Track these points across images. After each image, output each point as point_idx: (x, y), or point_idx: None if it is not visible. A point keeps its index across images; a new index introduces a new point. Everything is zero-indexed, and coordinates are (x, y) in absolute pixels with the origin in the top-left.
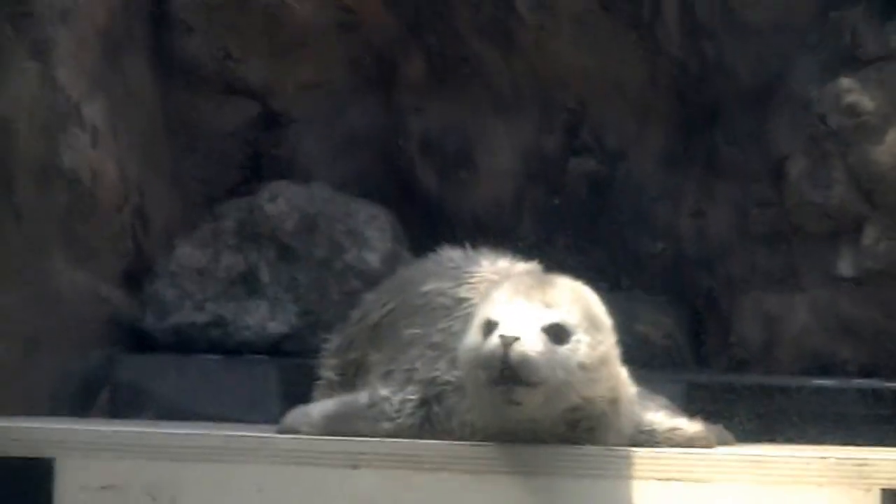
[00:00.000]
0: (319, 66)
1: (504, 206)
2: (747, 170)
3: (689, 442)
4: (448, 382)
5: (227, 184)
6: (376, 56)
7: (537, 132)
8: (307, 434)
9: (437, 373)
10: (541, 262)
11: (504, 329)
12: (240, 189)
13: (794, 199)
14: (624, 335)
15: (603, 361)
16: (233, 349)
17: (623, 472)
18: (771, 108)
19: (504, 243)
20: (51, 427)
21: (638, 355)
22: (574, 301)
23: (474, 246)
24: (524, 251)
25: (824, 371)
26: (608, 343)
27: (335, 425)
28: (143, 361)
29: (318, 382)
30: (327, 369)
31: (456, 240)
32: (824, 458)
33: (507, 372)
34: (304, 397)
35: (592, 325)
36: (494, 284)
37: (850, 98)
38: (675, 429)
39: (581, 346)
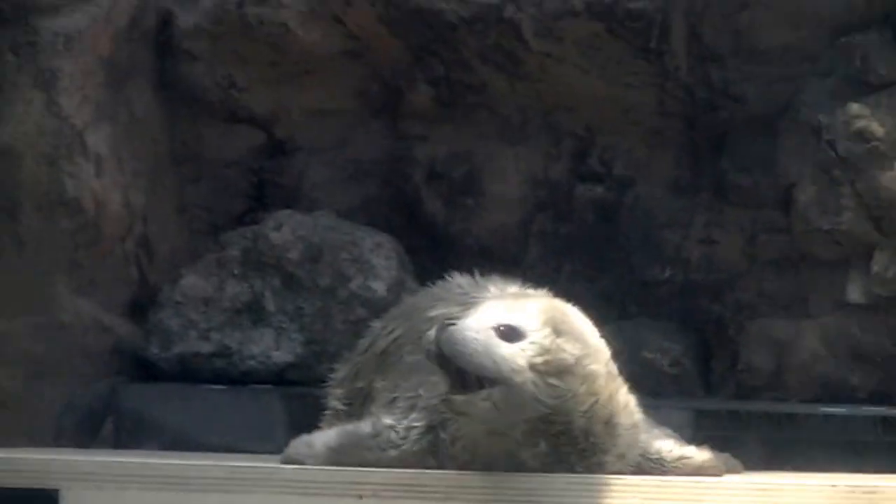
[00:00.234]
0: (325, 94)
1: (511, 234)
2: (756, 196)
3: (698, 470)
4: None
5: (232, 212)
6: (382, 83)
7: (544, 159)
8: (311, 465)
9: (441, 398)
10: (548, 289)
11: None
12: (245, 218)
13: (803, 225)
14: (631, 362)
15: (569, 370)
16: (238, 379)
17: (631, 501)
18: (780, 134)
19: (511, 271)
20: (55, 458)
21: (646, 382)
22: (542, 311)
23: (481, 273)
24: (531, 279)
25: (834, 398)
26: (585, 357)
27: (339, 456)
28: (148, 391)
29: (325, 413)
30: (334, 399)
31: (462, 267)
32: (834, 485)
33: (440, 360)
34: (310, 427)
35: (560, 335)
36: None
37: (860, 124)
38: (683, 457)
39: (533, 348)
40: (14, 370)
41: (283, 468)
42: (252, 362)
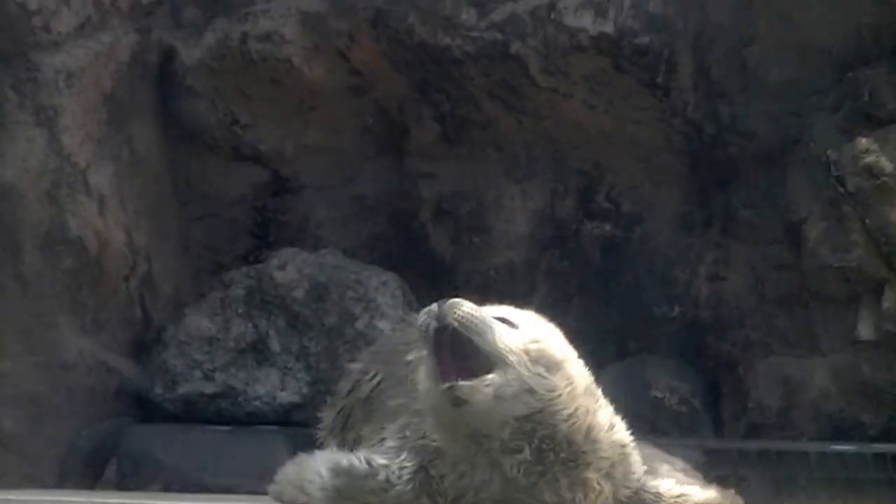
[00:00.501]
0: (329, 131)
1: (518, 271)
2: (764, 232)
3: None
4: (435, 444)
5: (237, 251)
6: (387, 120)
7: (551, 196)
8: None
9: (426, 439)
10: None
11: None
12: (249, 256)
13: (813, 262)
14: (640, 401)
15: (557, 366)
16: (243, 419)
17: None
18: (788, 170)
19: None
20: (59, 499)
21: (655, 421)
22: (532, 316)
23: None
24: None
25: (843, 435)
26: (569, 361)
27: (340, 500)
28: (152, 432)
29: None
30: (327, 447)
31: None
32: None
33: (438, 336)
34: None
35: (541, 338)
36: None
37: (869, 159)
38: (683, 495)
39: (526, 335)
40: (16, 410)
41: None
42: (257, 403)
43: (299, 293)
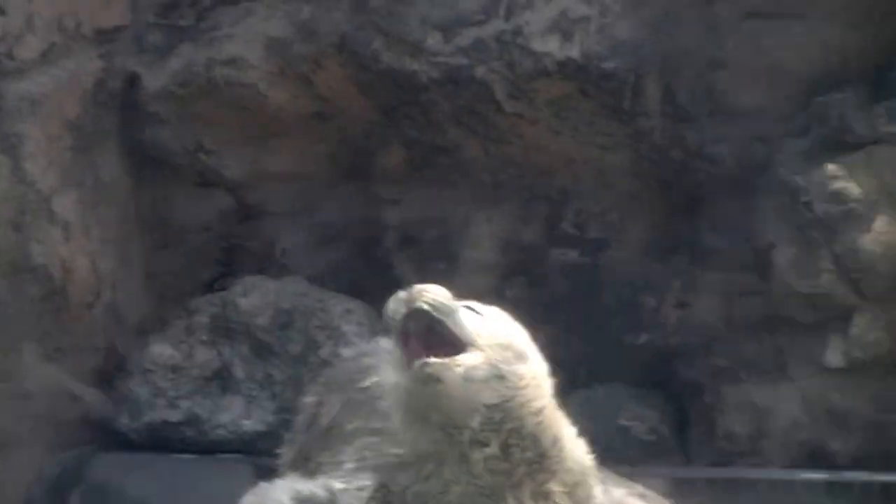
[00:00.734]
0: (295, 157)
1: (483, 298)
2: (733, 259)
3: None
4: (397, 458)
5: (201, 278)
6: (353, 146)
7: (517, 222)
8: None
9: (385, 456)
10: None
11: None
12: (214, 284)
13: (782, 288)
14: (607, 429)
15: (522, 356)
16: (207, 448)
17: None
18: (756, 196)
19: None
20: None
21: (622, 450)
22: (497, 313)
23: None
24: None
25: (813, 463)
26: (535, 359)
27: None
28: (117, 461)
29: None
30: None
31: None
32: None
33: (408, 317)
34: None
35: (509, 329)
36: None
37: (837, 185)
38: None
39: (493, 323)
40: None
41: None
42: (222, 431)
43: (264, 321)
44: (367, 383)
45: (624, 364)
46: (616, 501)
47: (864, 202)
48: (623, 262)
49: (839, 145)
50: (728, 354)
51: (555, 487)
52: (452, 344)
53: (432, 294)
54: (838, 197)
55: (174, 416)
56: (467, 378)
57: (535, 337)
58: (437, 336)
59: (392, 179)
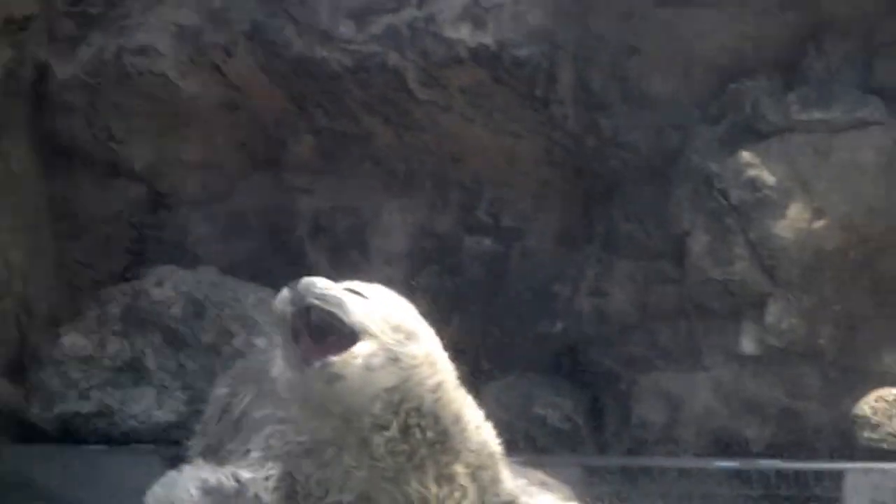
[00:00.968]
0: (206, 146)
1: (396, 287)
2: (647, 247)
3: None
4: (301, 446)
5: (113, 268)
6: (264, 134)
7: (431, 211)
8: None
9: (290, 444)
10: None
11: None
12: (126, 273)
13: (697, 275)
14: (521, 418)
15: (413, 334)
16: (119, 439)
17: None
18: (670, 183)
19: None
20: None
21: (536, 439)
22: (381, 291)
23: None
24: None
25: (728, 451)
26: (426, 335)
27: None
28: (28, 452)
29: None
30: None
31: None
32: None
33: (297, 317)
34: None
35: (396, 308)
36: None
37: (752, 172)
38: None
39: (381, 304)
40: None
41: None
42: (133, 422)
43: (176, 311)
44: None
45: (538, 353)
46: (517, 490)
47: (777, 189)
48: (537, 250)
49: (753, 133)
50: (642, 343)
51: (459, 469)
52: (344, 334)
53: (317, 287)
54: (752, 184)
55: (86, 407)
56: (367, 367)
57: (448, 324)
58: (328, 328)
59: (304, 168)
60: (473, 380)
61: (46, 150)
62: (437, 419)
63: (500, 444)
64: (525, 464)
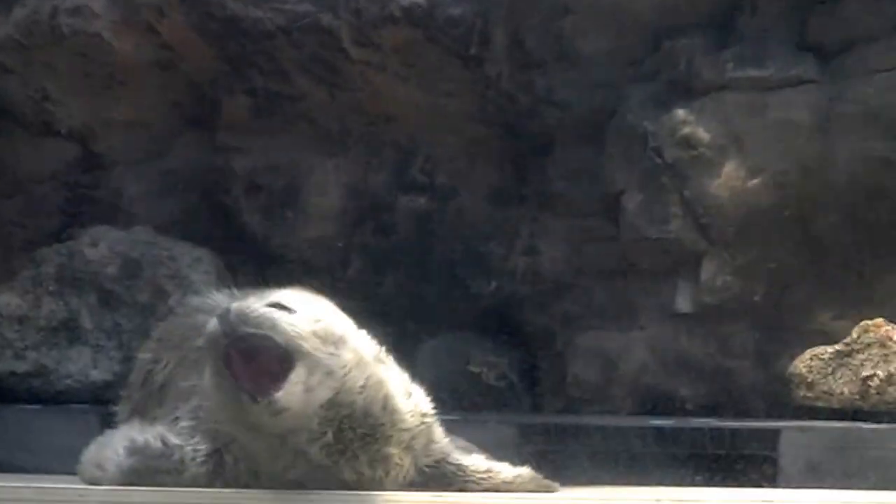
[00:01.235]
0: (139, 106)
1: (331, 246)
2: (582, 205)
3: (505, 486)
4: (230, 436)
5: (47, 228)
6: (198, 94)
7: (365, 170)
8: (106, 486)
9: (219, 426)
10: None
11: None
12: (60, 233)
13: (631, 234)
14: (457, 376)
15: (342, 340)
16: (55, 398)
17: None
18: (605, 141)
19: (332, 284)
20: None
21: (471, 397)
22: (299, 293)
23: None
24: (353, 292)
25: (662, 410)
26: (350, 332)
27: (134, 478)
28: None
29: None
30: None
31: (283, 280)
32: (658, 500)
33: (231, 344)
34: None
35: (321, 316)
36: None
37: (686, 130)
38: (489, 471)
39: (306, 316)
40: None
41: (94, 489)
42: (69, 381)
43: (111, 270)
44: (201, 342)
45: (472, 311)
46: (449, 447)
47: (712, 147)
48: (471, 209)
49: (687, 91)
50: (578, 301)
51: (392, 450)
52: (278, 355)
53: (247, 314)
54: (687, 142)
55: (21, 366)
56: (307, 390)
57: (382, 283)
58: (262, 351)
59: (238, 128)
60: (407, 339)
61: None
62: (367, 414)
63: (431, 403)
64: (458, 423)
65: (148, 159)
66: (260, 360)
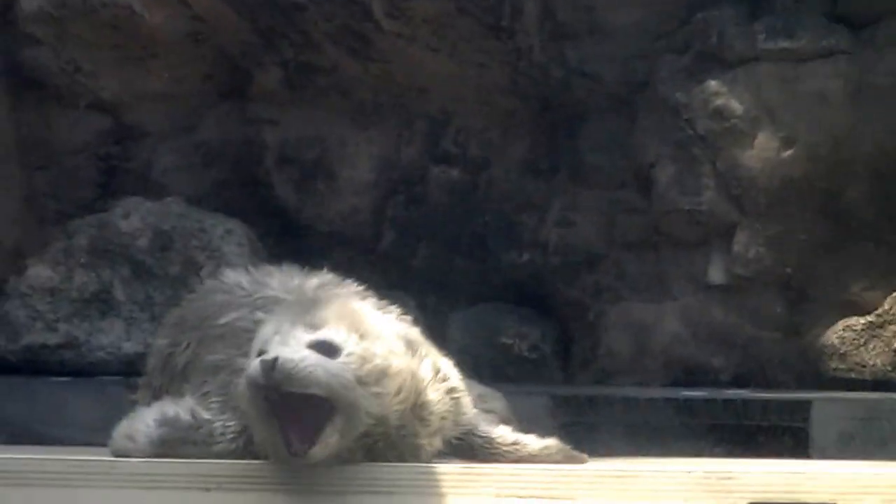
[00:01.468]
0: (172, 78)
1: (364, 218)
2: (614, 177)
3: (533, 458)
4: None
5: (80, 200)
6: (230, 66)
7: (397, 141)
8: (137, 458)
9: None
10: (400, 273)
11: (266, 355)
12: (92, 205)
13: (663, 205)
14: (488, 348)
15: (385, 373)
16: (86, 370)
17: (485, 489)
18: (637, 113)
19: (365, 256)
20: None
21: (504, 368)
22: (340, 318)
23: (334, 259)
24: (386, 263)
25: (694, 381)
26: (387, 352)
27: (164, 449)
28: None
29: None
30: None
31: (315, 252)
32: (689, 472)
33: (273, 393)
34: None
35: (364, 337)
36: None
37: (718, 102)
38: (517, 443)
39: (353, 359)
40: None
41: (124, 462)
42: (101, 353)
43: (143, 242)
44: (224, 320)
45: (505, 283)
46: (476, 419)
47: (744, 119)
48: (503, 180)
49: (719, 62)
50: (610, 273)
51: (422, 441)
52: (321, 408)
53: (292, 371)
54: (720, 114)
55: (53, 338)
56: (344, 434)
57: (415, 255)
58: (305, 404)
59: (270, 100)
60: (438, 310)
61: (13, 83)
62: (401, 425)
63: (460, 375)
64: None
65: (180, 131)
66: (302, 412)
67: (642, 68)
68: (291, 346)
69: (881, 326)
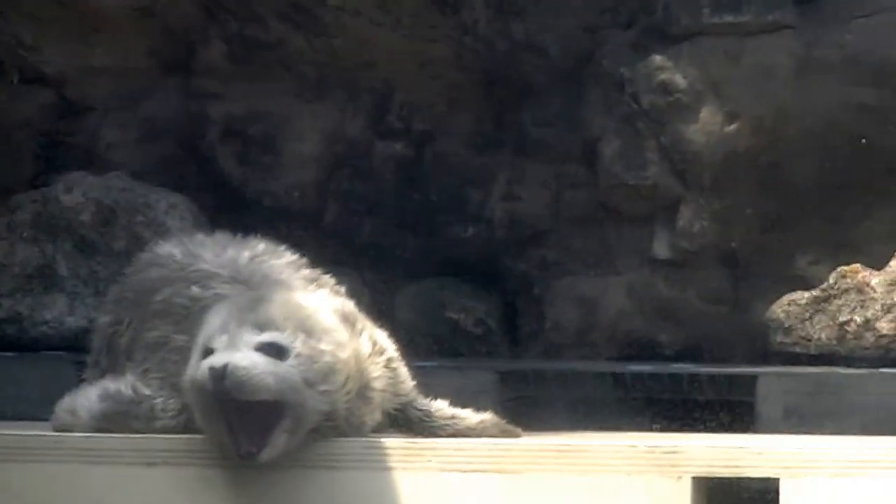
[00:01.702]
0: (116, 52)
1: (309, 193)
2: (559, 151)
3: (469, 432)
4: None
5: (23, 175)
6: (175, 40)
7: (342, 116)
8: (78, 433)
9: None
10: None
11: (214, 359)
12: (36, 181)
13: (609, 180)
14: (435, 323)
15: (333, 369)
16: (29, 345)
17: (427, 463)
18: (583, 87)
19: (310, 230)
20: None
21: (450, 343)
22: (286, 317)
23: (279, 234)
24: (331, 239)
25: (641, 356)
26: (334, 348)
27: (105, 424)
28: None
29: None
30: None
31: (260, 227)
32: (634, 445)
33: (225, 398)
34: None
35: (311, 335)
36: (211, 308)
37: (663, 76)
38: (455, 417)
39: (301, 361)
40: None
41: (68, 436)
42: (44, 328)
43: (86, 217)
44: (160, 296)
45: (451, 257)
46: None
47: (689, 93)
48: (449, 154)
49: (664, 36)
50: (556, 247)
51: (366, 419)
52: (270, 410)
53: (242, 378)
54: (665, 88)
55: None
56: (294, 432)
57: (360, 229)
58: (254, 408)
59: (214, 74)
60: (384, 285)
61: None
62: (349, 414)
63: (395, 346)
64: (437, 369)
65: (125, 106)
66: (251, 415)
67: (588, 42)
68: (241, 351)
69: (826, 301)
